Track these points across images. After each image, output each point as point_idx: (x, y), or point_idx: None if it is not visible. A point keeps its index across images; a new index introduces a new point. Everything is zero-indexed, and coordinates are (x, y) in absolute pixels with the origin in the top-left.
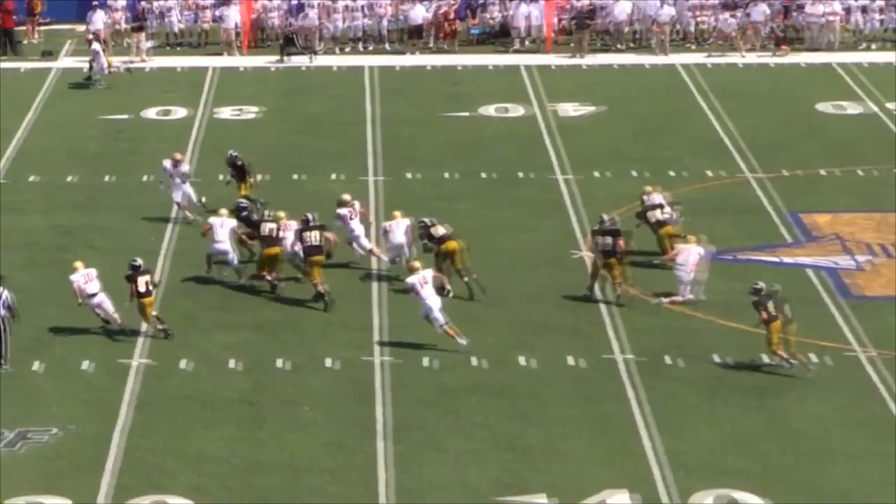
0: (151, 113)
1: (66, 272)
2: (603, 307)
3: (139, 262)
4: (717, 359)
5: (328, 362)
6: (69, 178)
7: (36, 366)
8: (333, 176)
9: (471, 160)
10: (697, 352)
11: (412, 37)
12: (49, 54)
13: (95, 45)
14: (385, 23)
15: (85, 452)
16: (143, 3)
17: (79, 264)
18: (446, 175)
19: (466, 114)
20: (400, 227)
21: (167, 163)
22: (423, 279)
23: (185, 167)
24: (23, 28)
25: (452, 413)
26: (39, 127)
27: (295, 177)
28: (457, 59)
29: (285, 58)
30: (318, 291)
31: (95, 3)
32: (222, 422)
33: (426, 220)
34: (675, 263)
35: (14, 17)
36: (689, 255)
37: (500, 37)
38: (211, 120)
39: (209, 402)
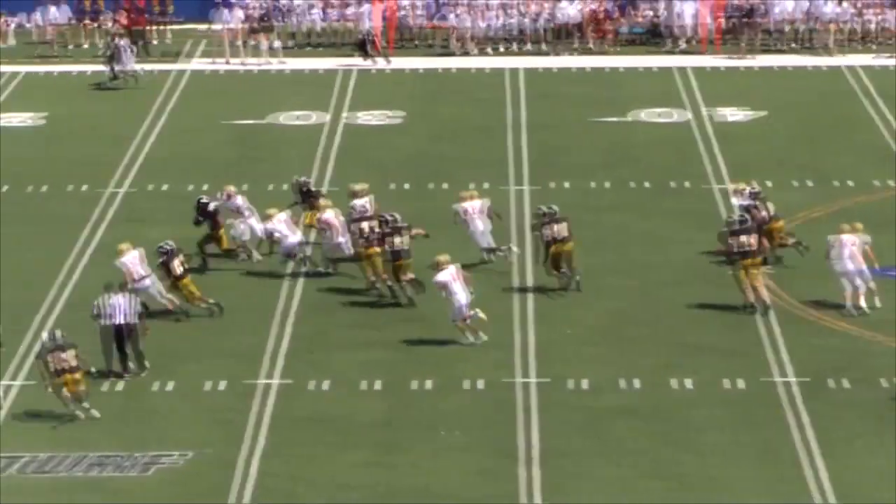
0: (284, 118)
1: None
2: (762, 326)
3: (170, 245)
4: (887, 382)
5: (469, 383)
6: (194, 189)
7: (165, 386)
8: (475, 185)
9: (622, 168)
10: (867, 374)
11: (563, 36)
12: (177, 55)
13: (121, 42)
14: (534, 22)
15: (215, 477)
16: (273, 2)
17: (125, 246)
18: (596, 184)
19: (618, 119)
20: (479, 212)
21: (221, 195)
22: (454, 275)
23: (238, 200)
24: (150, 28)
25: (602, 438)
26: (166, 132)
27: (434, 186)
28: (609, 61)
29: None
30: (388, 286)
31: (222, 1)
32: (358, 446)
33: (554, 208)
34: (828, 259)
35: (143, 16)
36: (843, 248)
37: (655, 36)
38: (347, 125)
39: (344, 425)
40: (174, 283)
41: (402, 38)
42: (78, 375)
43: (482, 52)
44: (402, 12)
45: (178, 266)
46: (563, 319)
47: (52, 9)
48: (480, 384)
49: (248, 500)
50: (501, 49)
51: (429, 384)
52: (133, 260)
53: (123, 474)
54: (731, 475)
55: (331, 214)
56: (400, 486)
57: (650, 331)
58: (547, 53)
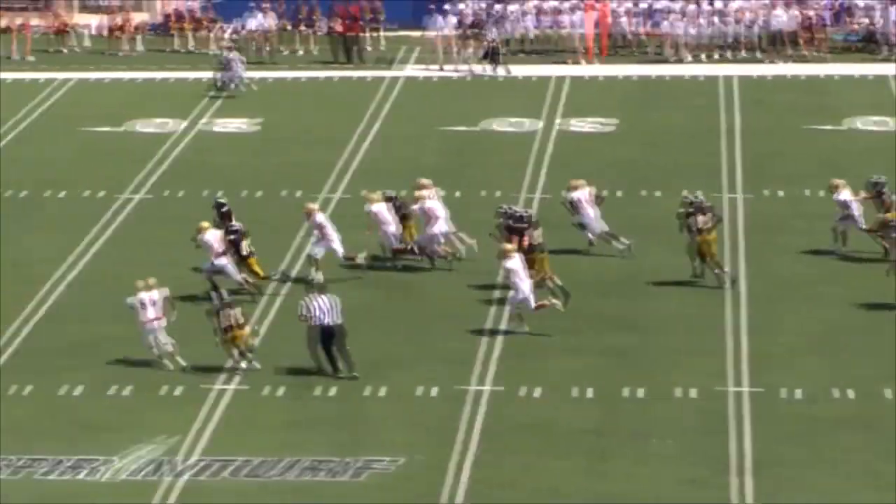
0: (495, 124)
1: (403, 293)
2: None
3: (237, 225)
4: None
5: (679, 392)
6: (406, 193)
7: (378, 391)
8: (688, 192)
9: (838, 177)
10: None
11: (775, 44)
12: (390, 62)
13: (233, 54)
14: (749, 29)
15: (427, 484)
16: (478, 7)
17: (206, 224)
18: (810, 192)
19: (833, 127)
20: (588, 200)
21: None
22: (521, 264)
23: (318, 218)
24: (363, 35)
25: (817, 448)
26: (380, 138)
27: (647, 193)
28: (822, 68)
29: (495, 67)
30: (550, 287)
31: (432, 6)
32: (569, 453)
33: (700, 198)
34: None
35: (358, 23)
36: None
37: (871, 44)
38: (560, 132)
39: (555, 432)
40: (240, 262)
41: (616, 44)
42: (246, 330)
43: (696, 60)
44: (616, 19)
45: (245, 247)
46: (776, 328)
47: (260, 16)
48: (693, 393)
49: None
50: (716, 56)
51: (640, 392)
52: (214, 238)
53: (336, 479)
54: None
55: (434, 205)
56: (610, 494)
57: (863, 340)
58: (761, 61)
